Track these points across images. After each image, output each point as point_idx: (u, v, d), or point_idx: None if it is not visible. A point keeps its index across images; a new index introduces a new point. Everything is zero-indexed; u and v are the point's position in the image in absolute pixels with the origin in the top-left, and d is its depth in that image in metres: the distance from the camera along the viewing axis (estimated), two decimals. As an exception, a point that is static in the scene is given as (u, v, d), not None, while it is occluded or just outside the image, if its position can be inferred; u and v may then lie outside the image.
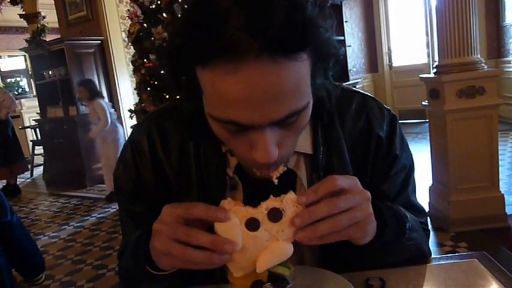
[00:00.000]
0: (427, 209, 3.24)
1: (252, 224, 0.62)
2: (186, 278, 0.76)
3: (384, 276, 0.78)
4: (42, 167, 7.18)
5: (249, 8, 0.55)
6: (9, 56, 11.27)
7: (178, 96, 0.77)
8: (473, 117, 2.95)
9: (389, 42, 7.91)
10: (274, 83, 0.57)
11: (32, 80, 8.73)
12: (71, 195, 5.66)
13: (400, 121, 0.93)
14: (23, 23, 6.99)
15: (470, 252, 0.87)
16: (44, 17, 6.81)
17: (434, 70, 3.11)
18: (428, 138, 3.40)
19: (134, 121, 4.46)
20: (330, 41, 0.64)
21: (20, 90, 11.00)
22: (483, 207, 3.02)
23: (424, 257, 0.87)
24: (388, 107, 0.92)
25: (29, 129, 8.21)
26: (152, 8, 3.93)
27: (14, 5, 7.16)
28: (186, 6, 0.63)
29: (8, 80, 10.98)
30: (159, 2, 3.89)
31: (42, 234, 4.39)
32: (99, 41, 6.26)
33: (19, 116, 8.67)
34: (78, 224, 4.54)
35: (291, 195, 0.63)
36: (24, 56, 9.82)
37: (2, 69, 11.13)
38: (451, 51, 2.92)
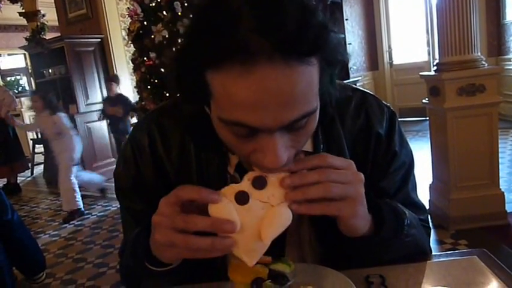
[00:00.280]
0: (427, 207, 3.24)
1: (242, 197, 0.62)
2: (186, 274, 0.76)
3: (383, 273, 0.79)
4: (42, 166, 7.19)
5: (260, 10, 0.55)
6: (9, 55, 11.26)
7: (178, 95, 0.77)
8: (474, 115, 2.95)
9: (389, 40, 7.90)
10: (286, 86, 0.57)
11: (32, 78, 8.71)
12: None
13: (400, 119, 0.93)
14: (23, 21, 6.98)
15: (470, 249, 0.87)
16: (43, 15, 6.79)
17: (435, 68, 3.10)
18: (428, 136, 3.40)
19: (134, 119, 4.46)
20: (339, 47, 0.64)
21: (20, 88, 10.99)
22: (483, 205, 3.02)
23: (424, 254, 0.88)
24: (388, 104, 0.93)
25: (29, 127, 8.20)
26: (152, 6, 3.92)
27: (13, 3, 7.15)
28: (196, 9, 0.62)
29: (8, 79, 10.98)
30: (159, 0, 3.89)
31: (42, 232, 4.39)
32: (99, 39, 6.26)
33: (19, 115, 8.67)
34: (79, 223, 4.54)
35: None
36: (24, 54, 9.81)
37: (1, 68, 11.12)
38: (451, 49, 2.91)
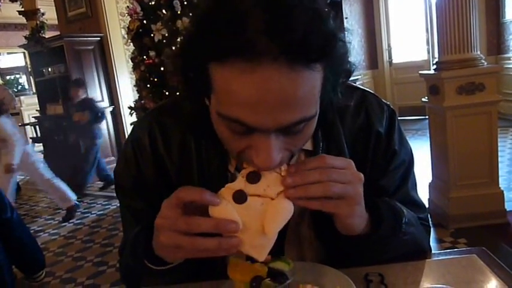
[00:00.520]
0: (426, 205, 3.24)
1: (240, 197, 0.63)
2: (186, 272, 0.76)
3: (382, 271, 0.79)
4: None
5: (271, 12, 0.55)
6: (8, 53, 11.27)
7: (178, 93, 0.77)
8: (473, 114, 2.95)
9: (389, 38, 7.90)
10: (289, 88, 0.57)
11: (31, 77, 8.72)
12: (71, 193, 5.66)
13: (400, 118, 0.93)
14: (22, 20, 6.95)
15: (469, 248, 0.88)
16: (43, 14, 6.78)
17: (434, 66, 3.11)
18: (428, 134, 3.40)
19: (134, 118, 4.45)
20: (345, 57, 0.65)
21: (19, 87, 11.00)
22: (483, 203, 3.02)
23: (423, 252, 0.88)
24: (388, 103, 0.93)
25: (28, 126, 8.20)
26: (152, 4, 3.92)
27: (13, 2, 7.14)
28: (205, 3, 0.62)
29: (8, 77, 10.99)
30: (158, -1, 3.88)
31: (42, 231, 4.39)
32: (99, 38, 6.25)
33: (19, 113, 8.67)
34: (78, 221, 4.54)
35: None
36: (24, 53, 9.81)
37: (1, 67, 11.13)
38: (451, 48, 2.91)
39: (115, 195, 0.96)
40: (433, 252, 0.90)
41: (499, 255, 1.07)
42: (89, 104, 5.33)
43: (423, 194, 3.33)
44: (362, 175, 0.69)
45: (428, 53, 7.18)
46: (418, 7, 7.28)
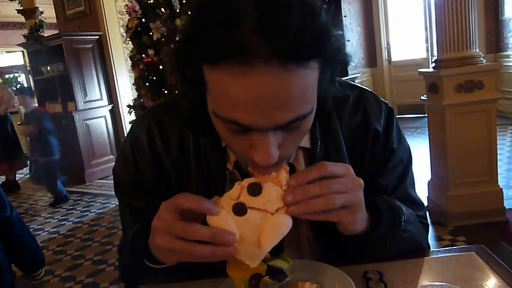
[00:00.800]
0: (425, 204, 3.25)
1: (240, 209, 0.62)
2: (185, 271, 0.76)
3: (381, 269, 0.79)
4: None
5: (264, 12, 0.54)
6: (7, 52, 11.25)
7: (177, 92, 0.77)
8: (472, 112, 2.95)
9: (388, 36, 7.89)
10: (282, 89, 0.56)
11: (30, 75, 8.70)
12: (70, 191, 5.65)
13: (399, 116, 0.93)
14: (21, 19, 6.94)
15: (468, 245, 0.88)
16: (41, 13, 6.77)
17: (433, 64, 3.10)
18: (427, 132, 3.39)
19: (133, 116, 4.45)
20: (340, 49, 0.64)
21: (18, 86, 10.96)
22: (482, 201, 3.03)
23: (422, 250, 0.88)
24: (386, 101, 0.93)
25: (27, 125, 8.19)
26: (150, 2, 3.91)
27: (11, 0, 7.12)
28: (200, 1, 0.61)
29: (7, 76, 10.95)
30: (157, -3, 3.88)
31: (41, 229, 4.39)
32: (98, 36, 6.24)
33: (18, 112, 8.65)
34: (78, 220, 4.54)
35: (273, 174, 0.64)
36: (23, 51, 9.79)
37: (0, 65, 11.10)
38: (450, 46, 2.91)
39: (114, 193, 0.96)
40: (432, 250, 0.90)
41: (498, 253, 1.07)
42: (37, 116, 4.85)
43: (422, 192, 3.33)
44: (362, 181, 0.69)
45: (427, 51, 7.19)
46: (417, 5, 7.28)
